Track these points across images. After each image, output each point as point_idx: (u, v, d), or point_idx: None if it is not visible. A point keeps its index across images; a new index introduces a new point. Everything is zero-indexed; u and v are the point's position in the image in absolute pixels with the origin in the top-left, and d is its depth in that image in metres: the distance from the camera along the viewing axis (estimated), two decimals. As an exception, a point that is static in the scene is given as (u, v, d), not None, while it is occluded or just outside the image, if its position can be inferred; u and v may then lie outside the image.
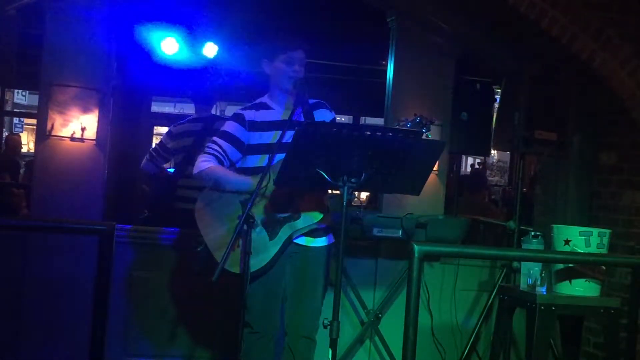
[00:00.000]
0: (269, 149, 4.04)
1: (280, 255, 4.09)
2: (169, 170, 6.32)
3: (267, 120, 4.21)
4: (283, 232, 4.09)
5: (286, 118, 4.09)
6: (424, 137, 3.87)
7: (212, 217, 4.16)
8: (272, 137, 4.10)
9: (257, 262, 3.95)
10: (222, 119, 4.61)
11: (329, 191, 4.29)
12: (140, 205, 7.51)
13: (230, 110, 15.67)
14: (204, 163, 4.12)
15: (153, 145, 6.76)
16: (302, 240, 4.19)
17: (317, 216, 4.15)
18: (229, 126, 4.22)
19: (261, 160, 4.11)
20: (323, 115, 4.27)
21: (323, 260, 4.26)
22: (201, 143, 5.18)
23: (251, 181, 3.99)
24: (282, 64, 4.18)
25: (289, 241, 4.12)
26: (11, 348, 5.27)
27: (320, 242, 4.24)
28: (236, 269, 3.90)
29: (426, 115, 3.96)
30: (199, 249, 4.16)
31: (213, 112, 6.38)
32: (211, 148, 4.17)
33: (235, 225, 3.88)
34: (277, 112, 4.23)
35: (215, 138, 4.22)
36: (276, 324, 4.23)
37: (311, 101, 4.25)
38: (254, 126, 4.19)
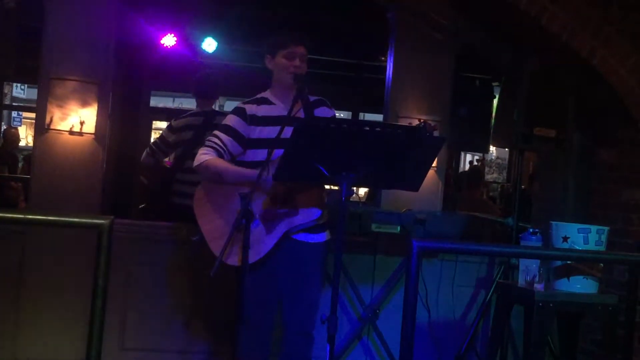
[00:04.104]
0: (269, 144, 4.03)
1: (276, 249, 4.09)
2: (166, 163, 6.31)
3: (268, 115, 4.20)
4: (281, 227, 4.09)
5: (286, 113, 4.09)
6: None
7: (210, 208, 4.16)
8: (273, 132, 4.09)
9: (252, 255, 3.94)
10: (223, 114, 4.60)
11: (327, 187, 4.29)
12: (138, 199, 7.51)
13: (228, 105, 15.67)
14: (204, 156, 4.12)
15: (152, 140, 6.75)
16: (301, 237, 4.18)
17: (316, 212, 4.15)
18: (230, 120, 4.22)
19: (262, 155, 4.10)
20: (323, 113, 4.26)
21: (321, 256, 4.26)
22: (201, 137, 5.17)
23: (251, 172, 3.98)
24: (284, 59, 4.18)
25: (287, 236, 4.12)
26: (9, 341, 5.27)
27: (318, 238, 4.24)
28: (232, 261, 3.90)
29: (430, 122, 3.94)
30: (194, 239, 4.17)
31: (213, 107, 6.36)
32: (212, 141, 4.17)
33: (232, 218, 3.88)
34: (279, 108, 4.21)
35: (216, 132, 4.22)
36: (272, 319, 4.23)
37: (312, 98, 4.25)
38: (255, 120, 4.18)
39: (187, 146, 5.74)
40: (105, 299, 2.89)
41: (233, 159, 4.21)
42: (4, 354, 5.26)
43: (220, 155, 4.13)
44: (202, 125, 5.77)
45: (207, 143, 4.18)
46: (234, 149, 4.18)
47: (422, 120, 3.99)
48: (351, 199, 4.22)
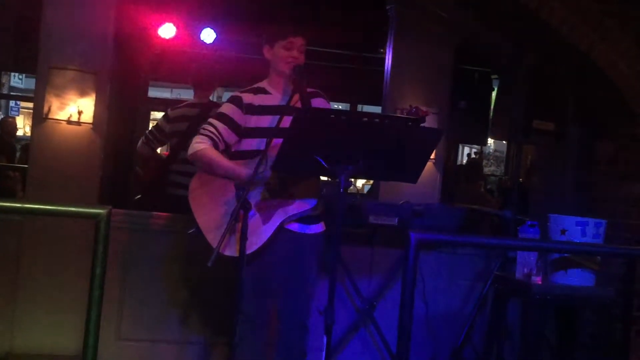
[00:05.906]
0: (265, 133, 4.03)
1: (272, 240, 4.09)
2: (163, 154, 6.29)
3: (264, 104, 4.19)
4: (276, 217, 4.09)
5: (284, 104, 4.08)
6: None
7: (206, 199, 4.15)
8: (269, 121, 4.09)
9: (248, 246, 3.93)
10: (220, 105, 4.59)
11: (325, 178, 4.28)
12: (135, 189, 7.50)
13: (227, 96, 15.61)
14: (199, 145, 4.11)
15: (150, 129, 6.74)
16: (296, 227, 4.18)
17: (311, 202, 4.15)
18: (226, 108, 4.21)
19: (257, 144, 4.10)
20: (319, 105, 4.25)
21: (316, 248, 4.25)
22: (196, 128, 5.15)
23: (243, 172, 3.97)
24: (282, 50, 4.17)
25: (282, 227, 4.12)
26: (7, 331, 5.27)
27: (314, 229, 4.24)
28: (229, 252, 3.90)
29: (422, 108, 3.93)
30: (190, 231, 4.16)
31: (211, 98, 6.35)
32: (207, 130, 4.15)
33: (229, 209, 3.87)
34: (275, 97, 4.21)
35: (211, 120, 4.21)
36: (269, 310, 4.23)
37: (308, 90, 4.24)
38: (251, 109, 4.17)
39: (183, 137, 5.73)
40: (103, 289, 2.89)
41: (228, 148, 4.20)
42: (1, 343, 5.26)
43: (215, 144, 4.12)
44: (198, 116, 5.75)
45: (202, 131, 4.16)
46: (229, 137, 4.17)
47: (412, 106, 3.97)
48: (349, 191, 4.21)
